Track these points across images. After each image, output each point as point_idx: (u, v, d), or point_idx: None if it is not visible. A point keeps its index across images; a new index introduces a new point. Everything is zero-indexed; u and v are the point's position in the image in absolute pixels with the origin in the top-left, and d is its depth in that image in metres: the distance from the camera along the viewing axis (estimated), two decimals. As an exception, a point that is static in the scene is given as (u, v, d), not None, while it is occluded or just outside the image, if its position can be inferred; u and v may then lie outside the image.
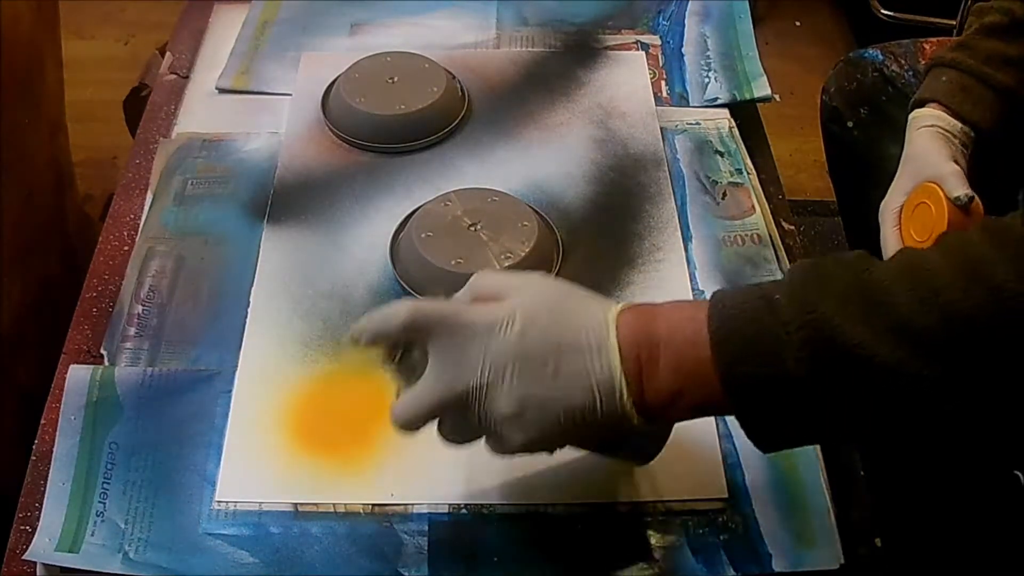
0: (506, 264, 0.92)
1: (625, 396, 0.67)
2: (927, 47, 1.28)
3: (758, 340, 0.63)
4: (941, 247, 0.64)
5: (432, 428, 0.83)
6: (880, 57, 1.27)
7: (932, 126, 1.01)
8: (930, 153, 0.99)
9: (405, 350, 0.72)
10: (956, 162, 0.98)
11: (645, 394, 0.67)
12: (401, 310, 0.70)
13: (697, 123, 1.11)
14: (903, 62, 1.25)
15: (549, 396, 0.67)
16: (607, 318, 0.68)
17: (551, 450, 0.72)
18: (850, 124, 1.29)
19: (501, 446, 0.71)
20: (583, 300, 0.70)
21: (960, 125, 1.00)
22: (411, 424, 0.71)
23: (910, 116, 1.04)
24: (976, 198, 0.94)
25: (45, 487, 0.81)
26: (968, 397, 0.63)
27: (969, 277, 0.60)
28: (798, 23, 2.37)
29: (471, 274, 0.90)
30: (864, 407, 0.64)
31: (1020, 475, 1.05)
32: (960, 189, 0.95)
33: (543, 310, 0.68)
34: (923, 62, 1.24)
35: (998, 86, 1.00)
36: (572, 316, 0.68)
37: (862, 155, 1.28)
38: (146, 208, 1.03)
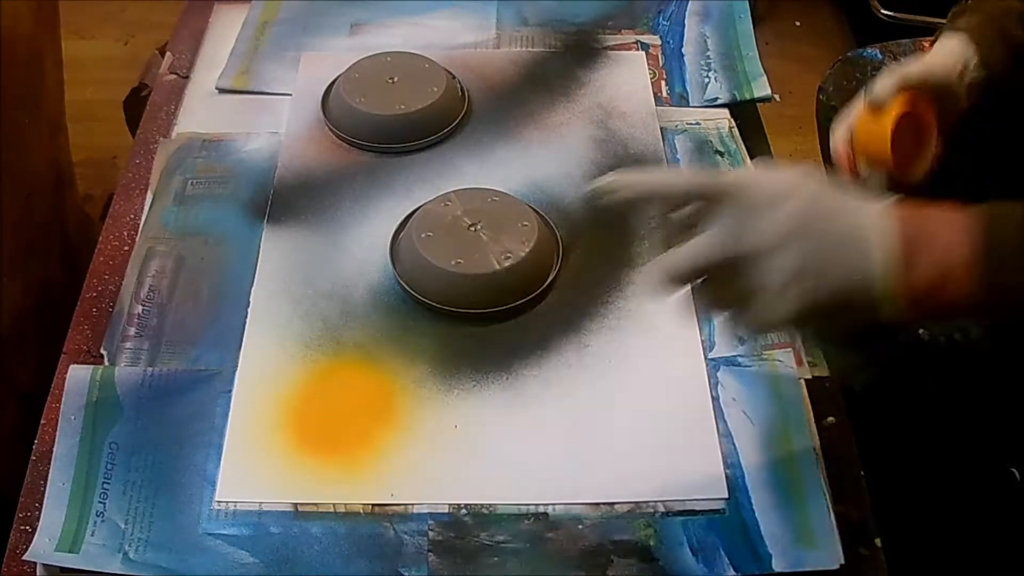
0: (506, 264, 0.92)
1: (892, 280, 0.68)
2: (927, 46, 1.28)
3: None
4: None
5: (432, 428, 0.83)
6: (879, 56, 1.27)
7: (954, 38, 1.03)
8: (933, 56, 1.02)
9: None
10: (950, 84, 1.00)
11: (911, 279, 0.68)
12: (686, 175, 0.72)
13: (697, 123, 1.11)
14: (902, 61, 1.25)
15: (826, 270, 0.68)
16: (883, 207, 0.69)
17: (804, 328, 0.74)
18: None
19: (760, 316, 0.71)
20: (852, 190, 0.71)
21: (976, 58, 1.02)
22: (678, 277, 0.71)
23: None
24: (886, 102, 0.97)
25: (45, 487, 0.81)
26: None
27: None
28: (798, 23, 2.37)
29: (471, 274, 0.91)
30: None
31: (1016, 472, 1.05)
32: (883, 86, 0.97)
33: (827, 190, 0.70)
34: None
35: (1012, 40, 1.01)
36: (852, 200, 0.70)
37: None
38: (146, 208, 1.03)
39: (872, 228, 0.68)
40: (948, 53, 1.02)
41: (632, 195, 0.72)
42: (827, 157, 1.40)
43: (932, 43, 1.07)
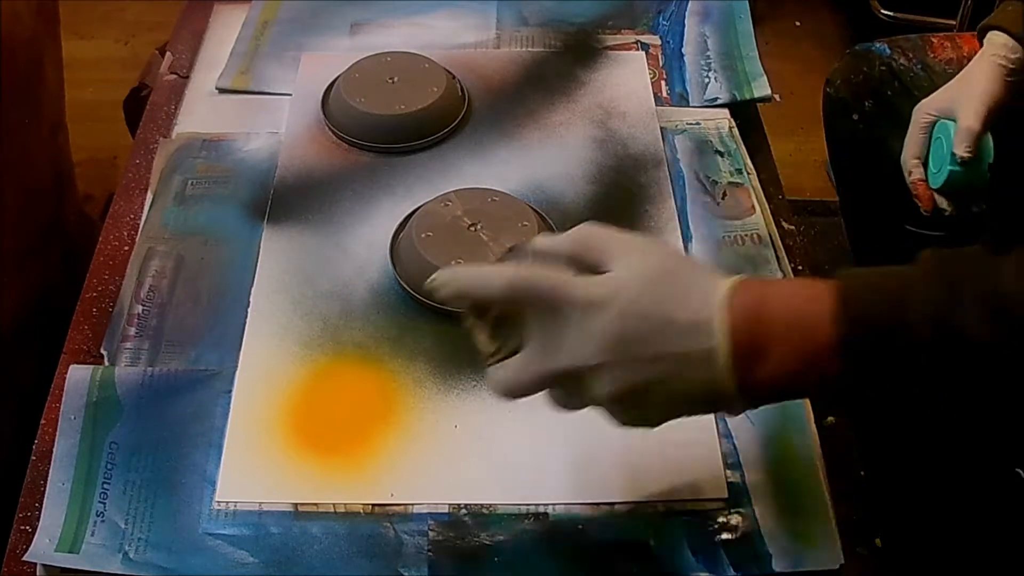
0: (506, 264, 0.92)
1: (730, 380, 0.64)
2: (935, 41, 1.28)
3: (887, 342, 0.62)
4: None
5: (432, 428, 0.83)
6: (887, 51, 1.27)
7: (995, 55, 1.07)
8: (975, 85, 1.07)
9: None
10: (997, 101, 1.06)
11: (752, 378, 0.64)
12: (502, 275, 0.68)
13: (697, 123, 1.11)
14: (911, 56, 1.25)
15: (647, 381, 0.65)
16: (716, 297, 0.65)
17: (654, 426, 0.69)
18: (855, 117, 1.28)
19: (609, 419, 0.69)
20: (692, 274, 0.67)
21: (1022, 54, 1.05)
22: (513, 395, 0.70)
23: (984, 41, 1.10)
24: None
25: (45, 487, 0.81)
26: None
27: None
28: (798, 23, 2.38)
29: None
30: (981, 402, 0.64)
31: (1021, 472, 1.05)
32: (961, 147, 1.04)
33: (646, 288, 0.65)
34: (932, 56, 1.24)
35: None
36: (677, 294, 0.65)
37: (866, 149, 1.28)
38: (146, 208, 1.03)
39: (704, 331, 0.64)
40: (980, 84, 1.06)
41: (452, 293, 0.70)
42: (831, 151, 1.41)
43: (977, 38, 1.10)
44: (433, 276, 0.70)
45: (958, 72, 1.12)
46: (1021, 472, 1.05)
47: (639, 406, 0.67)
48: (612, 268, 0.67)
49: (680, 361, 0.64)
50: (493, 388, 0.70)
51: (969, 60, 1.11)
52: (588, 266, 0.68)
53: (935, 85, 1.17)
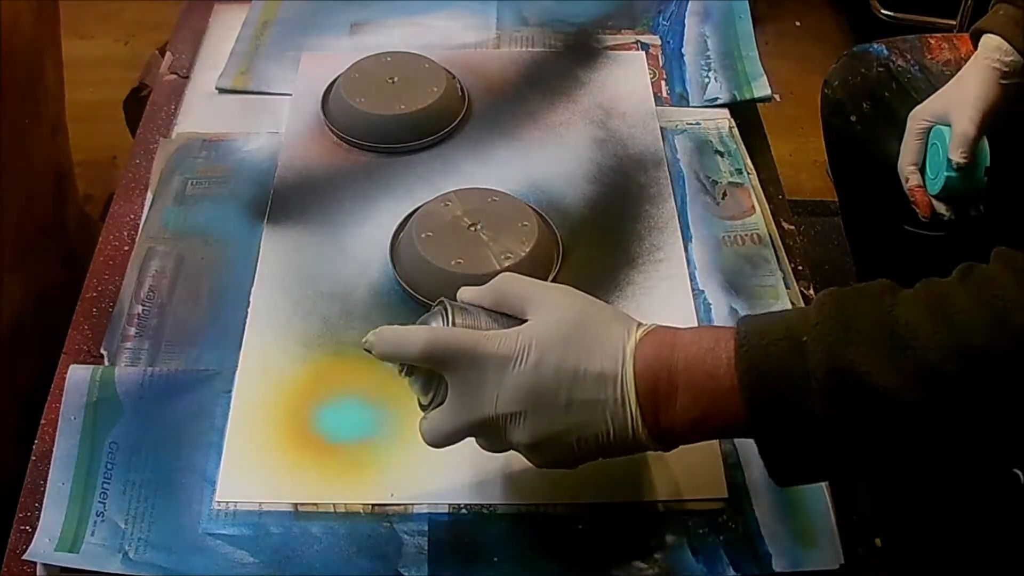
0: (506, 264, 0.92)
1: (640, 426, 0.69)
2: (933, 42, 1.28)
3: (785, 386, 0.65)
4: (966, 285, 0.64)
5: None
6: (885, 52, 1.27)
7: (988, 58, 1.07)
8: (969, 90, 1.07)
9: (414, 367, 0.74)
10: (992, 105, 1.06)
11: (660, 423, 0.69)
12: (419, 338, 0.71)
13: (697, 123, 1.11)
14: (909, 57, 1.25)
15: (561, 429, 0.69)
16: (624, 348, 0.69)
17: (573, 468, 0.74)
18: (853, 118, 1.28)
19: (530, 462, 0.74)
20: (603, 326, 0.70)
21: (1015, 57, 1.05)
22: (439, 445, 0.74)
23: (977, 44, 1.10)
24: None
25: (45, 487, 0.81)
26: (993, 431, 0.65)
27: (995, 322, 0.61)
28: (798, 23, 2.38)
29: (471, 274, 0.91)
30: (886, 446, 0.65)
31: (1020, 474, 1.05)
32: (957, 152, 1.04)
33: (559, 340, 0.69)
34: (929, 57, 1.24)
35: None
36: (588, 345, 0.69)
37: (863, 151, 1.28)
38: (146, 208, 1.03)
39: (613, 380, 0.68)
40: (972, 89, 1.06)
41: (379, 354, 0.73)
42: (829, 152, 1.40)
43: (991, 6, 1.10)
44: (365, 338, 0.74)
45: (956, 74, 1.12)
46: (1020, 474, 1.05)
47: (555, 452, 0.71)
48: (530, 318, 0.71)
49: (591, 410, 0.68)
50: (423, 437, 0.74)
51: (967, 61, 1.11)
52: (508, 315, 0.73)
53: (932, 87, 1.17)
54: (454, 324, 0.73)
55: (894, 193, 1.16)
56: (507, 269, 0.92)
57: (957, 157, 1.06)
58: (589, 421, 0.69)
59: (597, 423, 0.68)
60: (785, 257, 0.98)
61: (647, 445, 0.70)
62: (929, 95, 1.13)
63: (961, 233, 1.14)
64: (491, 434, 0.72)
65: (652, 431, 0.69)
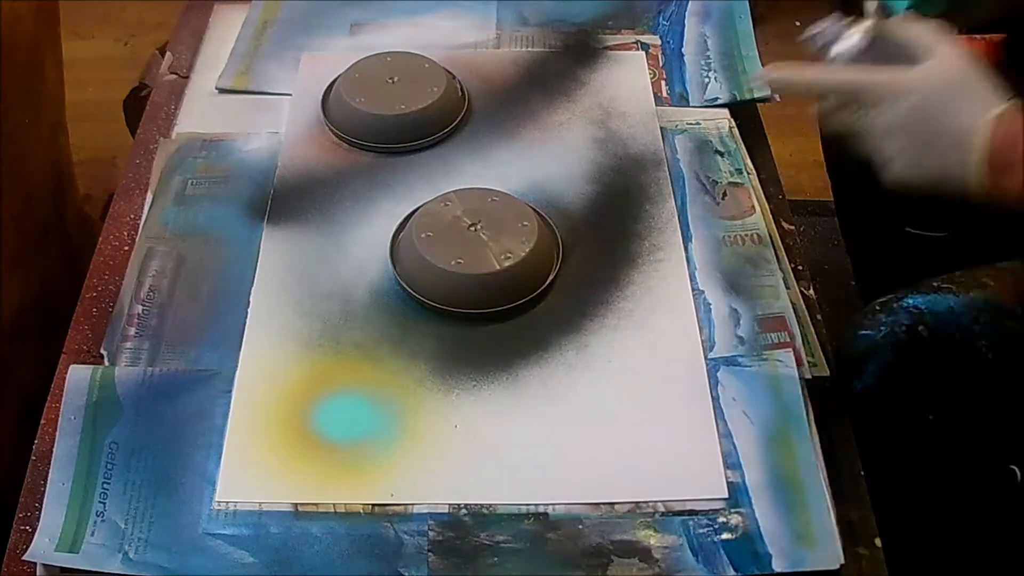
0: (506, 264, 0.92)
1: (984, 185, 0.78)
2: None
3: None
4: None
5: (432, 428, 0.83)
6: None
7: None
8: None
9: None
10: None
11: (1000, 187, 0.77)
12: (834, 76, 0.86)
13: (697, 123, 1.11)
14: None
15: (925, 158, 0.80)
16: (985, 115, 0.78)
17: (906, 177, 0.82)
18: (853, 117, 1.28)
19: (867, 148, 0.84)
20: (976, 92, 0.80)
21: None
22: (793, 82, 0.89)
23: None
24: None
25: (45, 487, 0.81)
26: None
27: None
28: (798, 23, 2.37)
29: (471, 274, 0.91)
30: None
31: (1017, 470, 1.05)
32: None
33: (941, 92, 0.80)
34: None
35: None
36: (962, 104, 0.79)
37: (861, 149, 1.28)
38: (146, 208, 1.03)
39: (973, 135, 0.78)
40: None
41: (789, 86, 0.88)
42: (827, 152, 1.40)
43: None
44: (764, 71, 0.92)
45: None
46: (1017, 471, 1.05)
47: (908, 171, 0.81)
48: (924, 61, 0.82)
49: (954, 146, 0.79)
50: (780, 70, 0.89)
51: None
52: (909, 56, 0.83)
53: None
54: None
55: (893, 192, 1.16)
56: (507, 269, 0.92)
57: None
58: (951, 156, 0.78)
59: (957, 163, 0.78)
60: (785, 257, 0.98)
61: (987, 198, 0.78)
62: None
63: (961, 235, 1.14)
64: (857, 108, 0.83)
65: (993, 188, 0.78)
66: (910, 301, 0.94)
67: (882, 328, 0.94)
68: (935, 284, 0.95)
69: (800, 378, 0.87)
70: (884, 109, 0.81)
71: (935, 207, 1.15)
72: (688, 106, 1.14)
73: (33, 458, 0.84)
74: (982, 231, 1.07)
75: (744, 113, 1.14)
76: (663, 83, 1.17)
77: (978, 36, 1.24)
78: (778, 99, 1.14)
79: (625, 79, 1.16)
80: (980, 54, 1.17)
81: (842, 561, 0.77)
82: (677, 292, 0.94)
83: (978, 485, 1.03)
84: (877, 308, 0.95)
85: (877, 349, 0.94)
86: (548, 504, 0.80)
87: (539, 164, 1.06)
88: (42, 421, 0.86)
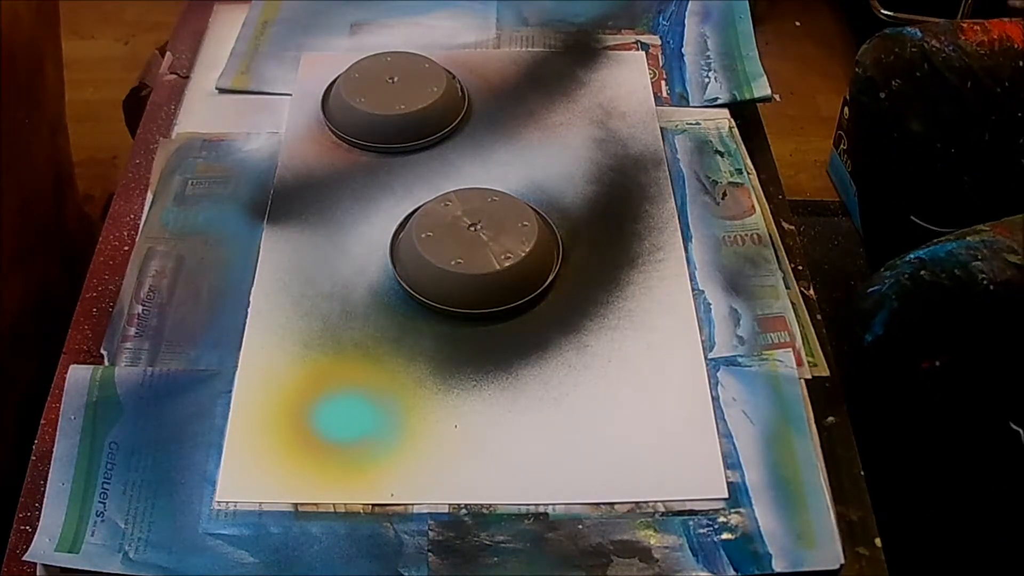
0: (506, 264, 0.92)
1: None
2: (966, 26, 1.28)
3: None
4: None
5: (432, 428, 0.83)
6: (919, 34, 1.27)
7: None
8: None
9: None
10: None
11: None
12: None
13: (697, 123, 1.11)
14: (944, 38, 1.25)
15: None
16: None
17: None
18: (882, 95, 1.28)
19: None
20: None
21: None
22: None
23: None
24: None
25: (45, 487, 0.81)
26: None
27: None
28: (798, 23, 2.37)
29: (471, 274, 0.91)
30: None
31: (1021, 431, 1.04)
32: None
33: None
34: (964, 39, 1.24)
35: None
36: None
37: (888, 128, 1.28)
38: (146, 208, 1.03)
39: None
40: None
41: None
42: (855, 132, 1.40)
43: None
44: None
45: (991, 54, 1.11)
46: (1020, 431, 1.04)
47: None
48: None
49: None
50: None
51: (1000, 44, 1.11)
52: None
53: (968, 65, 1.17)
54: None
55: (913, 177, 1.17)
56: (507, 269, 0.92)
57: None
58: None
59: None
60: (785, 257, 0.98)
61: None
62: (964, 76, 1.13)
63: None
64: None
65: None
66: (911, 255, 0.96)
67: (887, 281, 0.96)
68: (934, 240, 0.96)
69: (800, 378, 0.88)
70: None
71: (946, 199, 1.16)
72: (688, 106, 1.14)
73: (33, 458, 0.84)
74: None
75: (744, 113, 1.14)
76: (663, 83, 1.17)
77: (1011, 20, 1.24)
78: (778, 99, 1.14)
79: (625, 79, 1.16)
80: (1017, 36, 1.18)
81: (842, 561, 0.77)
82: (677, 292, 0.94)
83: (978, 485, 1.03)
84: (883, 269, 0.97)
85: (883, 300, 0.95)
86: (548, 504, 0.80)
87: (539, 164, 1.06)
88: (42, 421, 0.86)
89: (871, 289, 0.98)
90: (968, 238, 0.97)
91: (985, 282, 0.92)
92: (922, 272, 0.95)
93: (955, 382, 0.96)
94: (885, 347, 0.97)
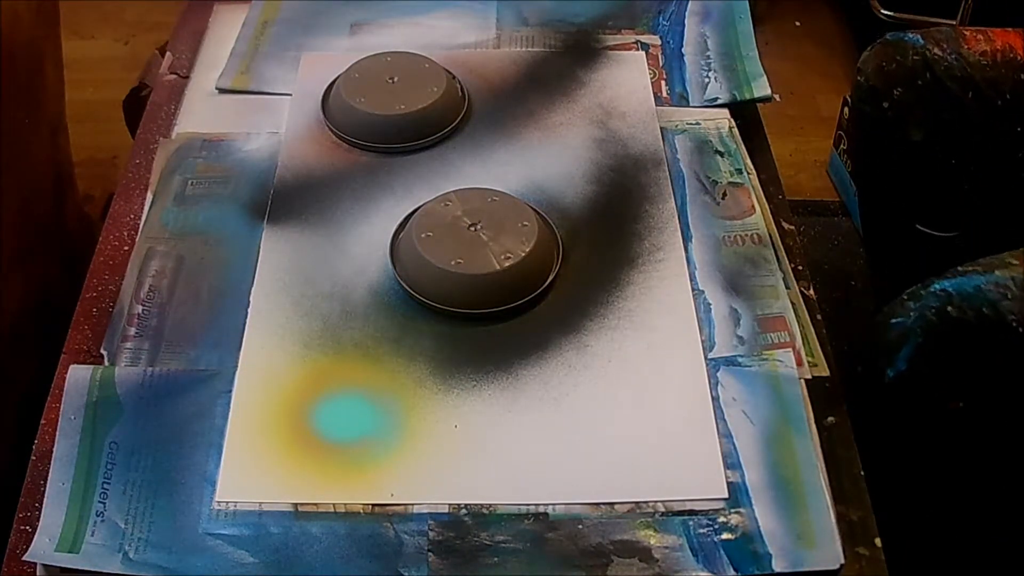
0: (506, 264, 0.92)
1: None
2: (968, 34, 1.28)
3: None
4: None
5: (432, 428, 0.83)
6: (920, 41, 1.26)
7: None
8: None
9: None
10: None
11: None
12: None
13: (697, 123, 1.11)
14: (945, 46, 1.25)
15: None
16: None
17: None
18: (885, 104, 1.28)
19: None
20: None
21: None
22: None
23: None
24: None
25: (45, 487, 0.81)
26: None
27: None
28: (798, 23, 2.37)
29: (471, 274, 0.91)
30: None
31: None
32: None
33: None
34: (966, 47, 1.24)
35: None
36: None
37: (889, 137, 1.28)
38: (146, 208, 1.03)
39: None
40: None
41: None
42: (856, 141, 1.40)
43: None
44: None
45: (993, 65, 1.11)
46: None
47: None
48: None
49: None
50: None
51: (1003, 55, 1.11)
52: None
53: (970, 75, 1.16)
54: None
55: (915, 184, 1.16)
56: (507, 269, 0.92)
57: None
58: None
59: None
60: (785, 257, 0.98)
61: None
62: (965, 86, 1.12)
63: (971, 235, 1.14)
64: None
65: None
66: (937, 286, 0.95)
67: (912, 314, 0.94)
68: (961, 269, 0.95)
69: (800, 378, 0.88)
70: None
71: (946, 206, 1.15)
72: (688, 106, 1.14)
73: (33, 458, 0.84)
74: (993, 231, 1.07)
75: (744, 113, 1.14)
76: (663, 83, 1.17)
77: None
78: (778, 99, 1.14)
79: (625, 79, 1.16)
80: (1019, 47, 1.18)
81: (842, 561, 0.77)
82: (677, 292, 0.94)
83: (978, 485, 1.03)
84: (905, 297, 0.95)
85: (908, 334, 0.94)
86: (548, 504, 0.80)
87: (539, 164, 1.06)
88: (42, 421, 0.86)
89: (895, 320, 0.96)
90: (997, 272, 0.95)
91: (1015, 323, 0.91)
92: (949, 308, 0.93)
93: (981, 421, 0.95)
94: (909, 383, 0.96)
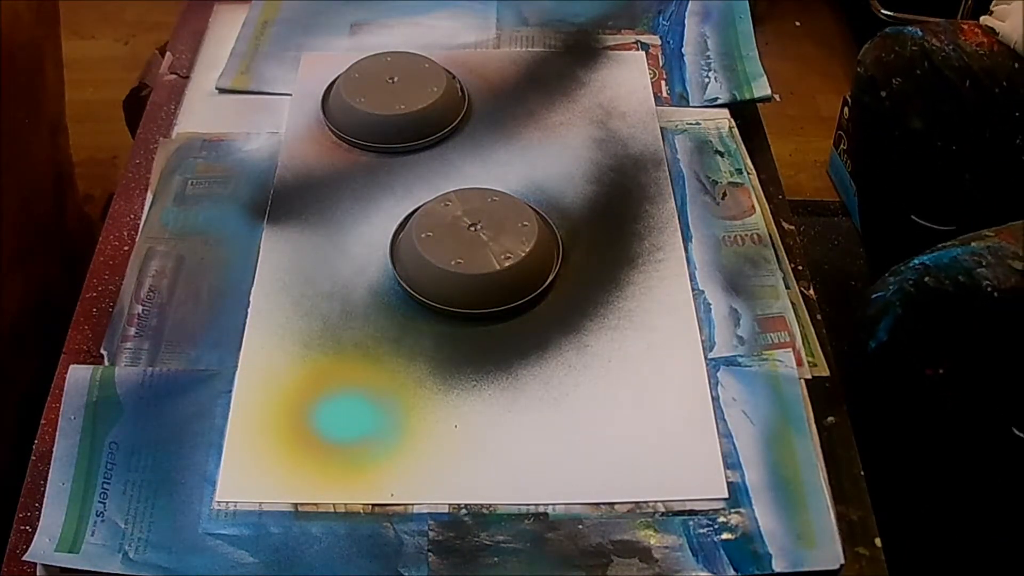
0: (506, 264, 0.92)
1: None
2: (966, 27, 1.28)
3: None
4: None
5: (432, 428, 0.83)
6: (919, 33, 1.27)
7: None
8: None
9: None
10: None
11: None
12: None
13: (697, 123, 1.11)
14: (944, 38, 1.25)
15: None
16: None
17: None
18: (883, 94, 1.28)
19: None
20: None
21: None
22: None
23: None
24: None
25: (45, 487, 0.81)
26: None
27: None
28: (798, 23, 2.37)
29: (471, 274, 0.91)
30: None
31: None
32: None
33: None
34: (964, 39, 1.25)
35: None
36: None
37: (889, 127, 1.28)
38: (146, 208, 1.03)
39: None
40: None
41: None
42: (856, 132, 1.40)
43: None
44: None
45: (991, 55, 1.13)
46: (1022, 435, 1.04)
47: None
48: None
49: None
50: None
51: (999, 45, 1.13)
52: None
53: (967, 65, 1.17)
54: None
55: (912, 176, 1.17)
56: (507, 269, 0.92)
57: None
58: None
59: None
60: (785, 257, 0.98)
61: None
62: (963, 75, 1.14)
63: (968, 229, 1.14)
64: None
65: None
66: (916, 261, 0.96)
67: (891, 287, 0.96)
68: (940, 245, 0.97)
69: (800, 378, 0.88)
70: None
71: (945, 196, 1.16)
72: (688, 106, 1.14)
73: (33, 458, 0.84)
74: (989, 225, 1.07)
75: (744, 113, 1.14)
76: (663, 83, 1.17)
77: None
78: (778, 99, 1.14)
79: (625, 79, 1.16)
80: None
81: (842, 561, 0.77)
82: (677, 292, 0.94)
83: (978, 485, 1.03)
84: (888, 275, 0.97)
85: (888, 307, 0.96)
86: (548, 504, 0.80)
87: (539, 164, 1.06)
88: (42, 421, 0.86)
89: (875, 295, 0.98)
90: (973, 244, 0.97)
91: (989, 289, 0.92)
92: (926, 278, 0.94)
93: (959, 389, 0.96)
94: (889, 353, 0.97)
